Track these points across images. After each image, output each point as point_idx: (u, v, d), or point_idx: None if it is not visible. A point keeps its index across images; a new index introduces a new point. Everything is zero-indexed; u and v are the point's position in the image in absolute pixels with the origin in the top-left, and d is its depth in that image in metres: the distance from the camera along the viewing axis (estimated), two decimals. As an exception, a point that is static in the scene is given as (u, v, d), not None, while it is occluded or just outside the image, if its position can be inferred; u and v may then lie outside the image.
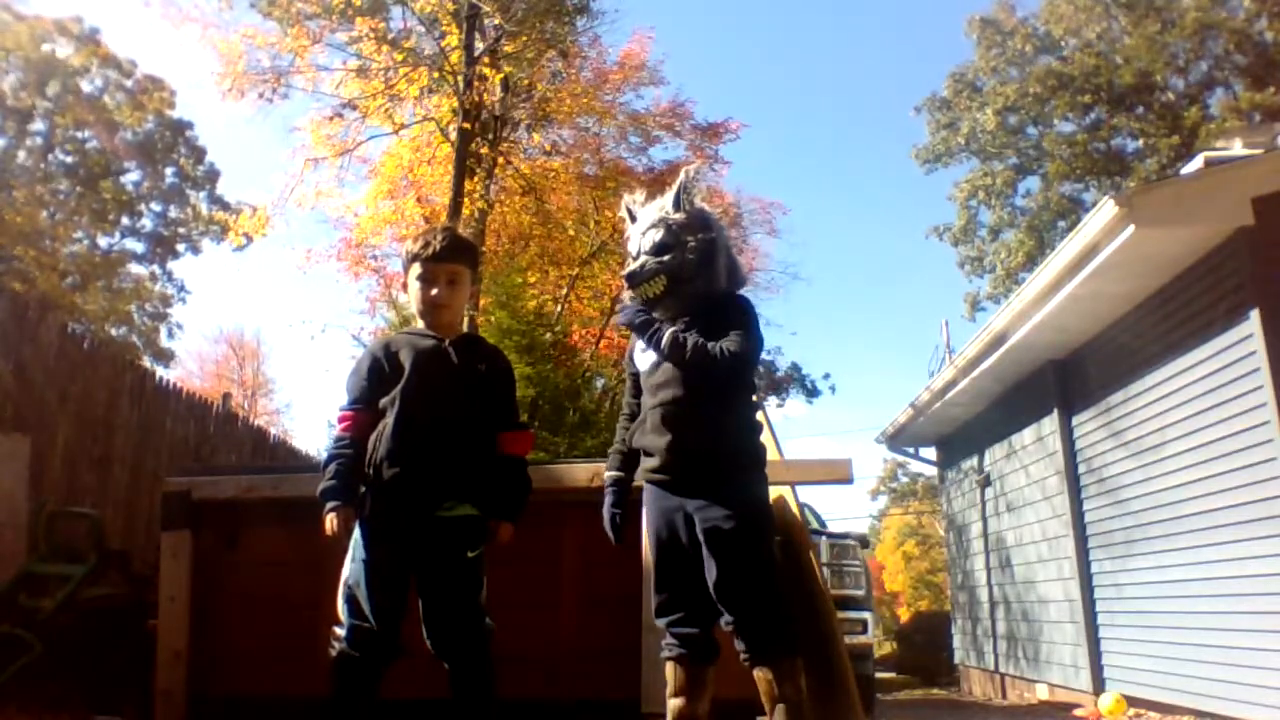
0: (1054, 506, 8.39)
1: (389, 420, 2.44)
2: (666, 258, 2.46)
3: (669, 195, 2.56)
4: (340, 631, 2.46)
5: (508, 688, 2.51)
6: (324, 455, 2.54)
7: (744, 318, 2.46)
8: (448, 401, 2.47)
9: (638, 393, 2.60)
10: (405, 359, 2.49)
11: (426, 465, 2.42)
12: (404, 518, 2.43)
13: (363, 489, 2.45)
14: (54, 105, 21.11)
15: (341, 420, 2.51)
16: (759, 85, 56.60)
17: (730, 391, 2.46)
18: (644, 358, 2.55)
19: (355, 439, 2.45)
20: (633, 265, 2.50)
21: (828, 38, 56.97)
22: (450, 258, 2.57)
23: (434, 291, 2.55)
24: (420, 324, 2.62)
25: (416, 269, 2.58)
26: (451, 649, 2.44)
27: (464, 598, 2.45)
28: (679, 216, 2.51)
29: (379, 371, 2.51)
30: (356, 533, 2.45)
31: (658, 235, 2.49)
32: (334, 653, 2.47)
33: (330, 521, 2.36)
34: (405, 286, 2.66)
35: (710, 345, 2.37)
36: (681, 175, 2.57)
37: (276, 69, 10.72)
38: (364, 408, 2.49)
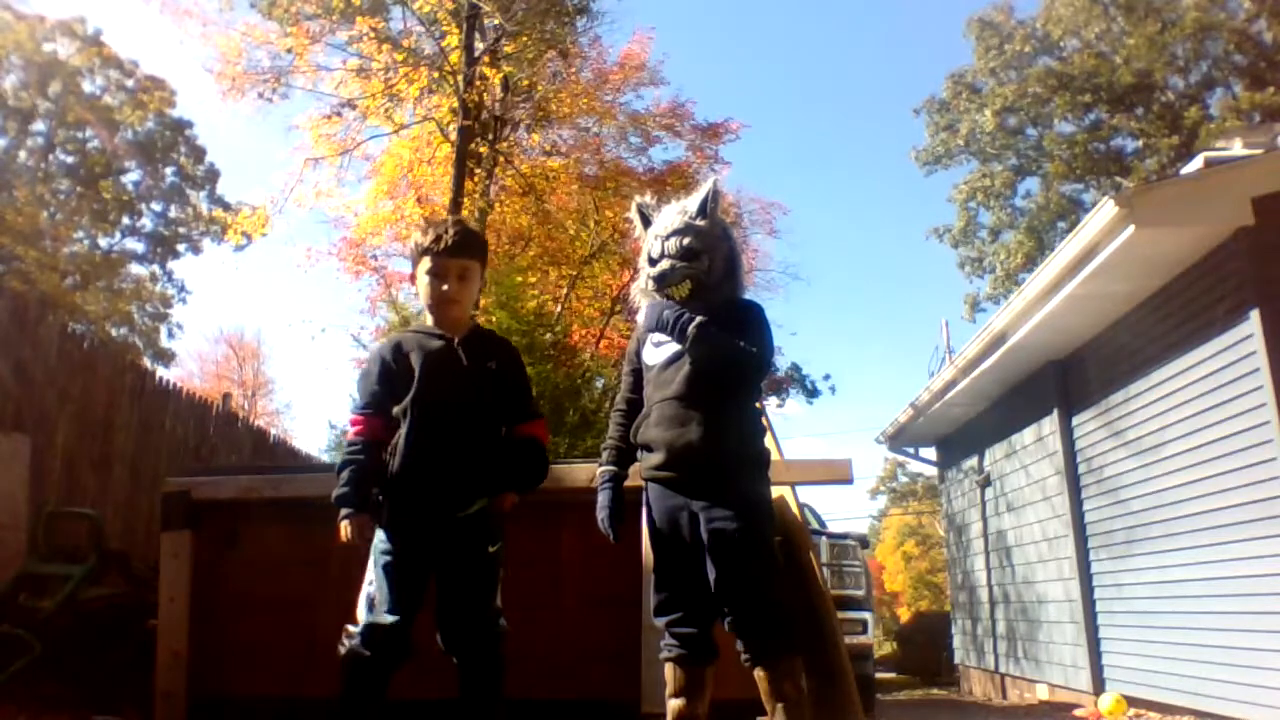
0: (1054, 506, 8.39)
1: (403, 428, 2.42)
2: (695, 263, 2.48)
3: (694, 200, 2.56)
4: (354, 629, 2.45)
5: (508, 688, 2.51)
6: (337, 461, 2.52)
7: (760, 324, 2.51)
8: (460, 404, 2.46)
9: (637, 388, 2.59)
10: (415, 362, 2.47)
11: (444, 470, 2.41)
12: (425, 521, 2.42)
13: (380, 496, 2.43)
14: (55, 105, 21.12)
15: (354, 424, 2.49)
16: (759, 85, 56.72)
17: (738, 392, 2.47)
18: (655, 353, 2.54)
19: (368, 443, 2.44)
20: (663, 266, 2.50)
21: (828, 38, 57.05)
22: (462, 252, 2.53)
23: (445, 287, 2.51)
24: (429, 319, 2.59)
25: (426, 263, 2.53)
26: (464, 645, 2.44)
27: (481, 594, 2.45)
28: (705, 224, 2.52)
29: (389, 374, 2.49)
30: (376, 541, 2.44)
31: (685, 240, 2.49)
32: (344, 651, 2.46)
33: (345, 529, 2.35)
34: (413, 279, 2.61)
35: (736, 340, 2.42)
36: (711, 183, 2.58)
37: (276, 68, 10.73)
38: (375, 411, 2.47)
